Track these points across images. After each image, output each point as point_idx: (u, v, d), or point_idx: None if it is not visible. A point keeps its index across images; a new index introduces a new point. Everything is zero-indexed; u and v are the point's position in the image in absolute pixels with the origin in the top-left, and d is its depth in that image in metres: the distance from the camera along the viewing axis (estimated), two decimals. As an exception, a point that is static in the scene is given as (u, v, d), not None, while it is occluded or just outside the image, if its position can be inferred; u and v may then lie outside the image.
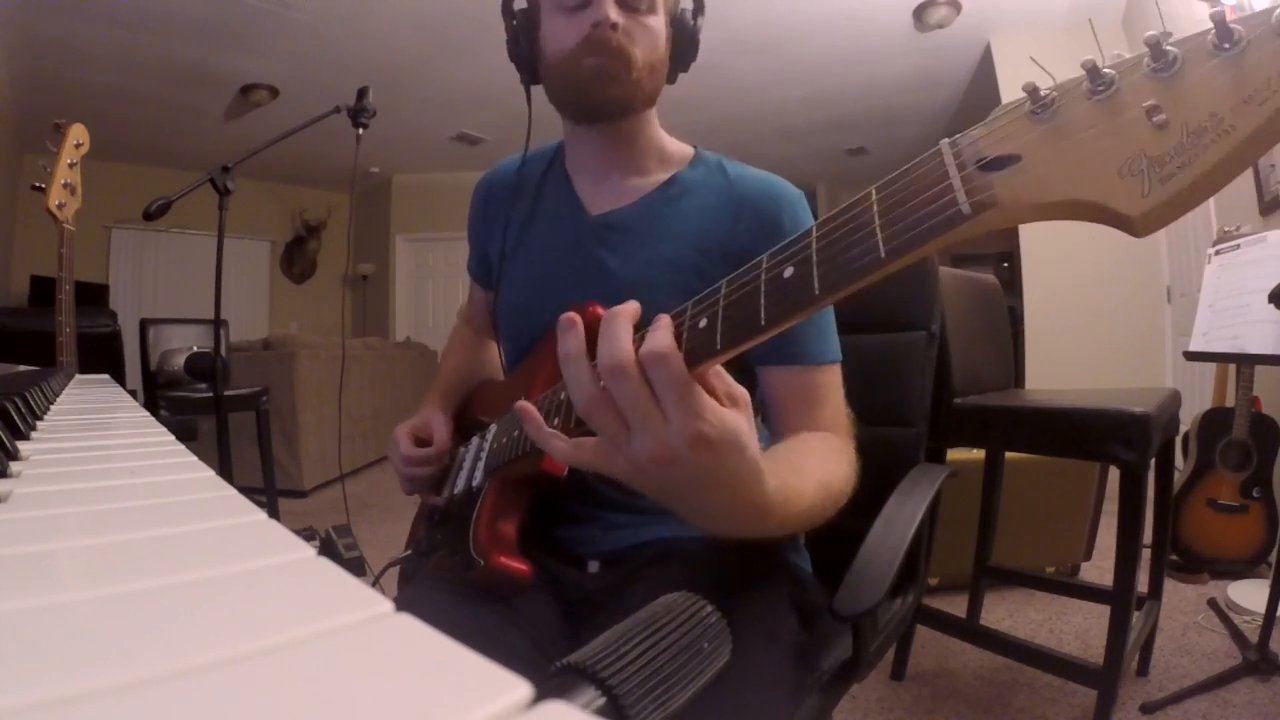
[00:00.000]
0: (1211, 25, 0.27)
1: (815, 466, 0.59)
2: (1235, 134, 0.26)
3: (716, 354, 0.40)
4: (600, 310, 0.69)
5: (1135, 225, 0.28)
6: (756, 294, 0.38)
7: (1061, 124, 0.30)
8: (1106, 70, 0.29)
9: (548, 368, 0.72)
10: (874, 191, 0.35)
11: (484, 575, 0.65)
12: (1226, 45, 0.27)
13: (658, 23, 0.74)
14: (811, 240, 0.37)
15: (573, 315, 0.44)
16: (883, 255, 0.33)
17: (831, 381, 0.71)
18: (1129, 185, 0.28)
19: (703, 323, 0.41)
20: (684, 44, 0.78)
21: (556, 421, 0.54)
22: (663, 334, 0.40)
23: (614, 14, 0.70)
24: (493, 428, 0.74)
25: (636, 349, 0.41)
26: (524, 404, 0.48)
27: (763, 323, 0.38)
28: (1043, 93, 0.31)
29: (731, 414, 0.42)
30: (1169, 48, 0.28)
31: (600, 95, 0.73)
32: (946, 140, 0.33)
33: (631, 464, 0.43)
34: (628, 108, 0.75)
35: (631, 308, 0.43)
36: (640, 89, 0.74)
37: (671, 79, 0.80)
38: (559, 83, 0.76)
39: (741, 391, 0.44)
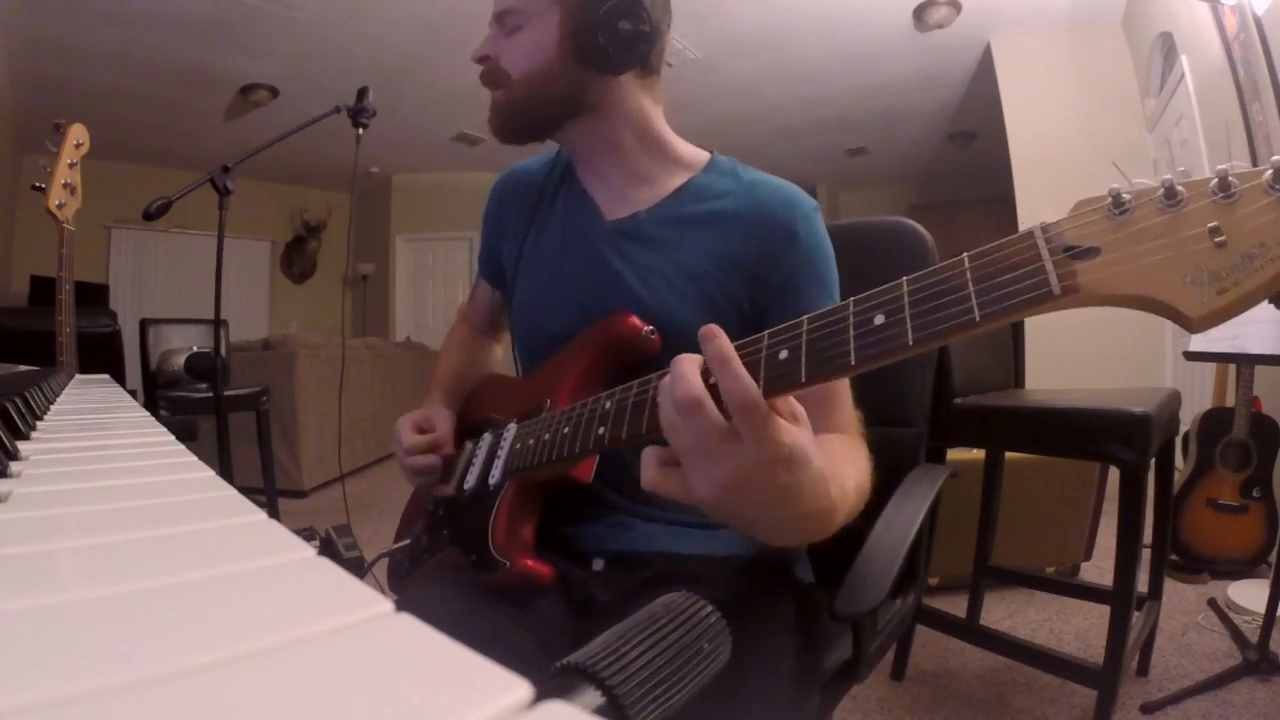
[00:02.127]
0: (1270, 169, 0.33)
1: (849, 469, 0.60)
2: (1277, 263, 0.32)
3: (799, 385, 0.44)
4: (636, 320, 0.71)
5: (1193, 325, 0.35)
6: (844, 335, 0.42)
7: (1138, 230, 0.35)
8: (1179, 187, 0.35)
9: (576, 373, 0.72)
10: (966, 259, 0.39)
11: (506, 578, 0.65)
12: (1277, 186, 0.33)
13: (533, 33, 0.75)
14: (903, 294, 0.41)
15: (681, 355, 0.47)
16: (977, 319, 0.37)
17: (844, 389, 0.72)
18: (1191, 293, 0.34)
19: (783, 354, 0.44)
20: (580, 31, 0.72)
21: (601, 430, 0.56)
22: (742, 374, 0.43)
23: (481, 49, 0.78)
24: (511, 427, 0.73)
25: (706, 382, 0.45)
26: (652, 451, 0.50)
27: (852, 363, 0.41)
28: (1124, 196, 0.36)
29: (800, 432, 0.45)
30: (1233, 179, 0.34)
31: (495, 124, 0.79)
32: (1038, 226, 0.38)
33: (710, 490, 0.45)
34: (532, 125, 0.78)
35: (696, 358, 0.46)
36: (530, 103, 0.76)
37: (605, 68, 0.74)
38: None
39: (800, 409, 0.47)
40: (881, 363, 0.41)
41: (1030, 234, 0.38)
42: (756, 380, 0.43)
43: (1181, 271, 0.34)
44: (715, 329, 0.45)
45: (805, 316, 0.45)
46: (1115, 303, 0.36)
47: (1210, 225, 0.34)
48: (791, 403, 0.47)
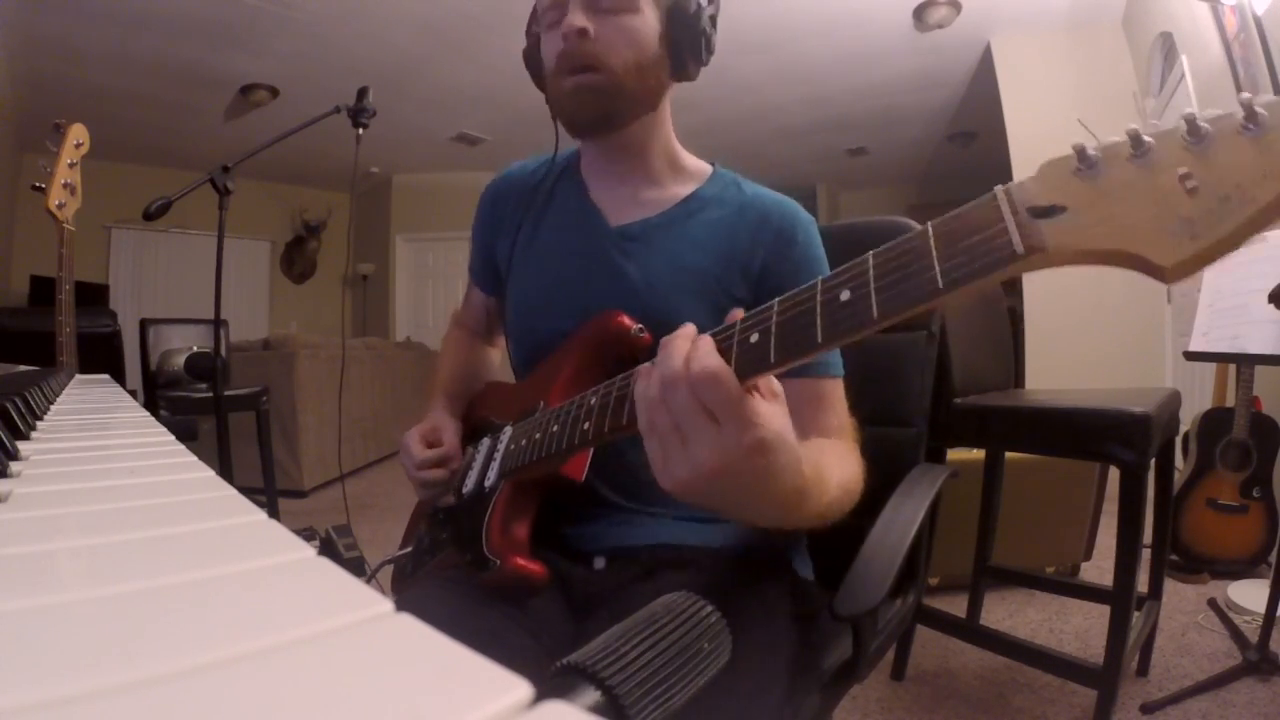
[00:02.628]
0: (1241, 109, 0.31)
1: (833, 463, 0.60)
2: (1256, 204, 0.30)
3: (770, 367, 0.43)
4: (625, 319, 0.71)
5: (1166, 274, 0.32)
6: (812, 314, 0.41)
7: (1104, 182, 0.34)
8: (1146, 138, 0.33)
9: (567, 372, 0.72)
10: (930, 227, 0.38)
11: (499, 577, 0.65)
12: (1252, 126, 0.31)
13: (640, 20, 0.72)
14: (868, 268, 0.40)
15: (677, 332, 0.47)
16: (941, 285, 0.36)
17: (837, 392, 0.73)
18: (1162, 241, 0.32)
19: (754, 337, 0.44)
20: (682, 35, 0.74)
21: (586, 426, 0.56)
22: (710, 353, 0.43)
23: (580, 21, 0.70)
24: (507, 429, 0.74)
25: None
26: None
27: (819, 340, 0.41)
28: (1089, 152, 0.34)
29: (776, 410, 0.45)
30: (1203, 124, 0.31)
31: (584, 110, 0.73)
32: (1000, 187, 0.37)
33: (692, 475, 0.45)
34: (617, 116, 0.75)
35: (689, 329, 0.46)
36: (624, 94, 0.73)
37: (679, 75, 0.77)
38: (551, 102, 0.76)
39: (777, 384, 0.47)
40: (850, 338, 0.40)
41: (993, 196, 0.37)
42: (728, 365, 0.43)
43: (1152, 221, 0.32)
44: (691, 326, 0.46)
45: (776, 299, 0.44)
46: (1086, 260, 0.35)
47: (1181, 172, 0.32)
48: (770, 379, 0.46)
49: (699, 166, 0.84)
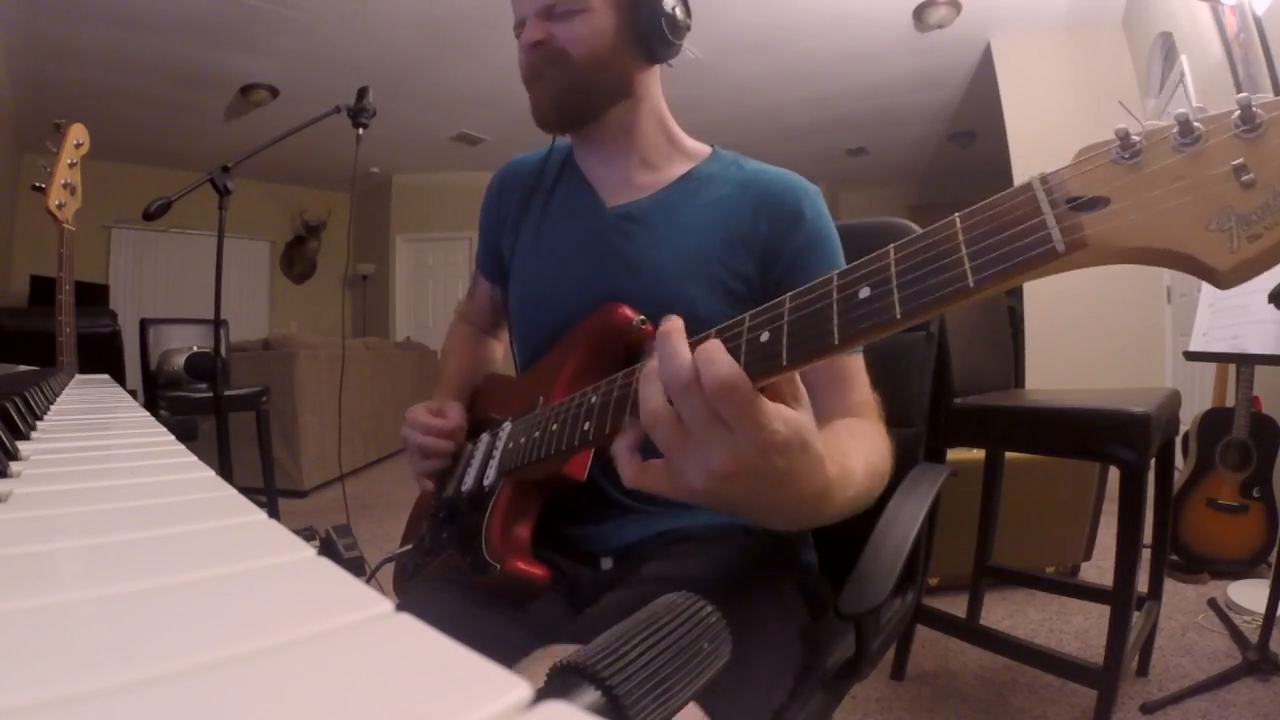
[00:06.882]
0: None
1: (858, 449, 0.58)
2: None
3: (782, 369, 0.40)
4: (627, 311, 0.69)
5: (1222, 279, 0.29)
6: (828, 312, 0.38)
7: (1150, 173, 0.31)
8: (1196, 123, 0.30)
9: (568, 368, 0.71)
10: (958, 220, 0.35)
11: (499, 581, 0.64)
12: None
13: (593, 19, 0.73)
14: (890, 263, 0.37)
15: (666, 328, 0.44)
16: (971, 284, 0.33)
17: (859, 368, 0.71)
18: (1217, 240, 0.29)
19: (764, 336, 0.41)
20: (641, 20, 0.74)
21: (587, 426, 0.54)
22: (723, 361, 0.40)
23: (535, 34, 0.73)
24: (507, 425, 0.73)
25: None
26: (635, 421, 0.47)
27: (836, 341, 0.38)
28: (1132, 137, 0.31)
29: (795, 414, 0.43)
30: (1258, 109, 0.29)
31: (554, 110, 0.76)
32: (1037, 177, 0.33)
33: (706, 481, 0.43)
34: (586, 111, 0.76)
35: (678, 324, 0.44)
36: (588, 89, 0.74)
37: (650, 58, 0.77)
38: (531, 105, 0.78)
39: (802, 390, 0.45)
40: (869, 339, 0.37)
41: (1028, 186, 0.33)
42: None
43: (1204, 217, 0.29)
44: (677, 321, 0.44)
45: (788, 294, 0.41)
46: (1130, 259, 0.31)
47: (1235, 163, 0.29)
48: (795, 382, 0.44)
49: (697, 147, 0.83)
